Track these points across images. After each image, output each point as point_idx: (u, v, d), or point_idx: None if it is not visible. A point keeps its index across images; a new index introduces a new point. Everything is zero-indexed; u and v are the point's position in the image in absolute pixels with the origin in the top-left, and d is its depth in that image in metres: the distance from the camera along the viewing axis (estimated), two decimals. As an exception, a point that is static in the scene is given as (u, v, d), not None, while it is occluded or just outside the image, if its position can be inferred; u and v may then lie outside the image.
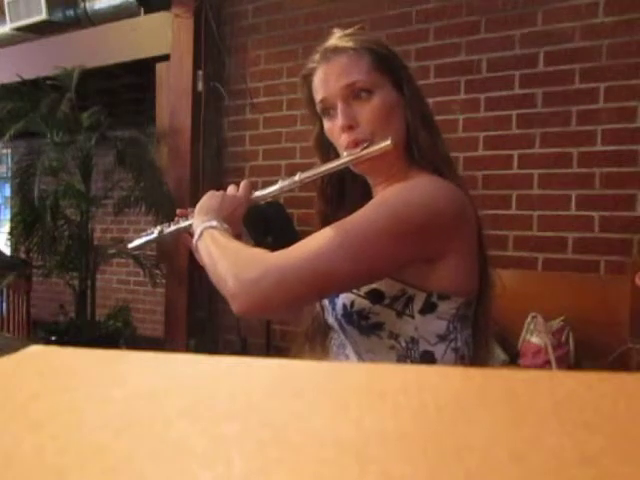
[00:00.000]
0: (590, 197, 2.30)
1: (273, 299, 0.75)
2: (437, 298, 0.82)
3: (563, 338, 2.15)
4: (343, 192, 0.98)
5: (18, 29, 3.70)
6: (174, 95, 3.25)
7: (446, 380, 0.28)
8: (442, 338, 0.83)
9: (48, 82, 3.30)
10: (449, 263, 0.82)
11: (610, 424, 0.22)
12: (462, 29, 2.55)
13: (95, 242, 3.52)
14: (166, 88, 3.31)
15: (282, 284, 0.74)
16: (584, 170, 2.32)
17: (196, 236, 0.90)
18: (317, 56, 0.90)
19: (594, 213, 2.30)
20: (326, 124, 0.90)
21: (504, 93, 2.47)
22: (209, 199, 0.96)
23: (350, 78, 0.85)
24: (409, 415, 0.23)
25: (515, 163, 2.44)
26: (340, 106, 0.86)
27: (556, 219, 2.36)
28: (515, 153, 2.44)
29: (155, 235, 1.08)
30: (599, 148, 2.29)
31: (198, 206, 0.96)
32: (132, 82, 3.99)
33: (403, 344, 0.83)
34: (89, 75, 3.36)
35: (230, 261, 0.79)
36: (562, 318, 2.18)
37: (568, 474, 0.18)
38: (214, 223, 0.89)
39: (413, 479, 0.18)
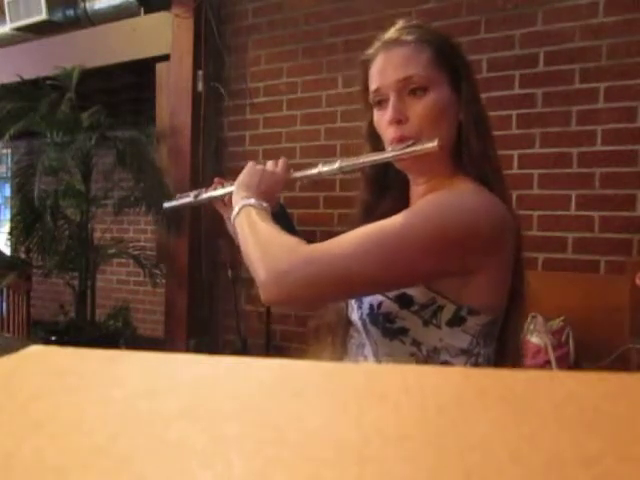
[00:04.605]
0: (590, 197, 2.30)
1: (301, 293, 0.75)
2: (467, 312, 0.81)
3: (563, 338, 2.15)
4: (387, 185, 0.96)
5: (18, 29, 3.70)
6: (174, 95, 3.25)
7: (446, 380, 0.28)
8: (464, 352, 0.82)
9: (48, 82, 3.30)
10: (482, 280, 0.80)
11: (610, 424, 0.22)
12: (462, 29, 2.55)
13: (95, 242, 3.52)
14: (166, 88, 3.31)
15: (312, 280, 0.74)
16: (584, 170, 2.31)
17: (234, 213, 0.90)
18: (378, 44, 0.88)
19: (594, 213, 2.29)
20: (376, 115, 0.88)
21: (504, 93, 2.46)
22: (249, 175, 0.96)
23: (407, 72, 0.83)
24: (409, 415, 0.23)
25: (515, 163, 2.44)
26: (392, 99, 0.84)
27: (556, 219, 2.36)
28: (515, 153, 2.44)
29: (191, 199, 1.11)
30: (599, 148, 2.29)
31: (238, 181, 0.96)
32: (132, 82, 3.99)
33: (424, 352, 0.82)
34: (89, 75, 3.36)
35: (264, 248, 0.79)
36: (562, 318, 2.18)
37: (568, 474, 0.18)
38: (253, 201, 0.89)
39: (413, 479, 0.18)
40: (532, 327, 2.17)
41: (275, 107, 3.09)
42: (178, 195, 1.17)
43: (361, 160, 0.92)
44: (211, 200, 1.09)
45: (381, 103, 0.87)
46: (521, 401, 0.24)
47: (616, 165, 2.25)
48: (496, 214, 0.80)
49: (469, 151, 0.85)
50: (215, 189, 1.07)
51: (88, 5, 3.58)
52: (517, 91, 2.45)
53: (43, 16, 3.48)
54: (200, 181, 3.16)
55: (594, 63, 2.29)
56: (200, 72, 3.17)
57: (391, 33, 0.87)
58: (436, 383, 0.27)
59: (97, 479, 0.18)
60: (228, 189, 1.02)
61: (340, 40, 2.85)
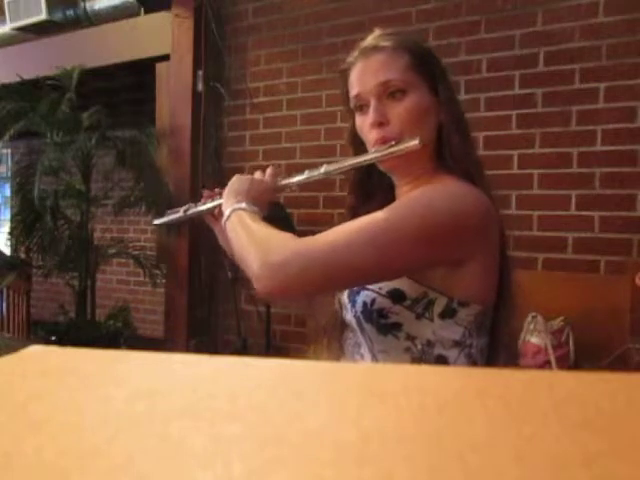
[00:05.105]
0: (590, 197, 2.30)
1: (296, 284, 0.76)
2: (457, 304, 0.83)
3: (563, 338, 2.15)
4: (372, 189, 0.99)
5: (18, 29, 3.70)
6: (174, 95, 3.25)
7: (446, 380, 0.28)
8: (457, 344, 0.84)
9: (48, 82, 3.30)
10: (471, 269, 0.82)
11: (610, 424, 0.22)
12: (462, 29, 2.55)
13: (95, 242, 3.52)
14: (166, 88, 3.31)
15: (306, 271, 0.76)
16: (584, 170, 2.31)
17: (225, 217, 0.91)
18: (356, 52, 0.91)
19: (594, 213, 2.29)
20: (358, 120, 0.91)
21: (504, 93, 2.46)
22: (238, 182, 0.97)
23: (386, 76, 0.86)
24: (409, 415, 0.23)
25: (515, 163, 2.44)
26: (373, 103, 0.87)
27: (556, 219, 2.36)
28: (515, 153, 2.44)
29: (181, 214, 1.12)
30: (599, 148, 2.29)
31: (227, 189, 0.97)
32: (132, 82, 3.99)
33: (419, 346, 0.84)
34: (89, 75, 3.36)
35: (257, 243, 0.80)
36: (562, 318, 2.18)
37: (568, 474, 0.18)
38: (243, 205, 0.90)
39: (413, 479, 0.18)
40: (532, 327, 2.17)
41: (275, 107, 3.09)
42: (168, 211, 1.17)
43: (346, 163, 0.94)
44: (201, 214, 1.10)
45: (362, 108, 0.90)
46: (521, 401, 0.24)
47: (616, 165, 2.25)
48: (482, 205, 0.82)
49: (450, 149, 0.88)
50: (204, 203, 1.08)
51: (88, 5, 3.58)
52: (517, 91, 2.45)
53: (43, 16, 3.48)
54: (200, 181, 3.16)
55: (594, 63, 2.29)
56: (200, 72, 3.17)
57: (369, 41, 0.90)
58: (436, 383, 0.27)
59: (97, 479, 0.18)
60: (218, 202, 1.02)
61: (340, 40, 2.85)
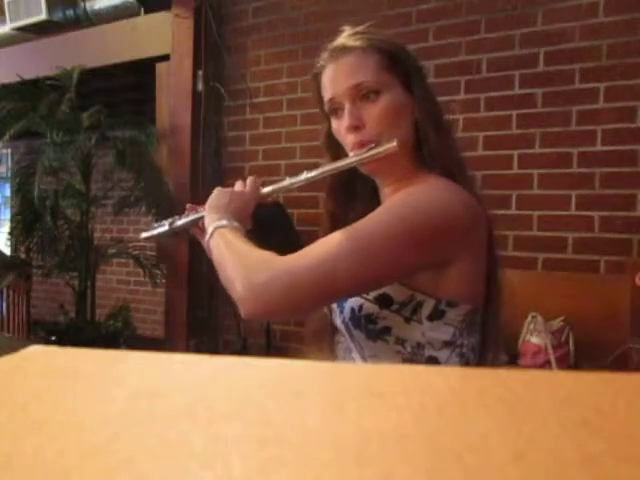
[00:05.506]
0: (590, 197, 2.30)
1: (281, 304, 0.75)
2: (446, 305, 0.82)
3: (563, 338, 2.15)
4: (353, 192, 0.97)
5: (18, 29, 3.70)
6: (174, 95, 3.25)
7: (446, 380, 0.28)
8: (448, 344, 0.83)
9: (48, 82, 3.30)
10: (459, 269, 0.81)
11: (610, 424, 0.22)
12: (462, 29, 2.55)
13: (95, 242, 3.52)
14: (166, 88, 3.31)
15: (290, 289, 0.74)
16: (584, 170, 2.32)
17: (207, 235, 0.90)
18: (326, 55, 0.89)
19: (594, 213, 2.29)
20: (334, 123, 0.90)
21: (504, 93, 2.46)
22: (218, 197, 0.96)
23: (357, 78, 0.84)
24: (409, 415, 0.23)
25: (515, 163, 2.44)
26: (347, 106, 0.86)
27: (556, 219, 2.36)
28: (515, 153, 2.44)
29: (166, 227, 1.09)
30: (599, 148, 2.29)
31: (208, 204, 0.96)
32: (132, 82, 3.99)
33: (409, 349, 0.83)
34: (89, 75, 3.36)
35: (239, 264, 0.79)
36: (562, 318, 2.18)
37: (568, 474, 0.18)
38: (224, 222, 0.89)
39: (413, 479, 0.18)
40: (532, 327, 2.17)
41: (275, 107, 3.09)
42: (155, 224, 1.15)
43: (326, 168, 0.93)
44: (187, 227, 1.07)
45: (337, 112, 0.89)
46: (521, 401, 0.24)
47: (616, 165, 2.25)
48: (468, 204, 0.81)
49: (428, 147, 0.86)
50: (188, 215, 1.06)
51: (88, 5, 3.58)
52: (517, 91, 2.45)
53: (43, 16, 3.48)
54: (200, 181, 3.16)
55: (594, 63, 2.29)
56: (200, 72, 3.17)
57: (338, 41, 0.89)
58: (436, 383, 0.27)
59: (97, 479, 0.18)
60: (202, 213, 1.01)
61: (340, 40, 2.85)
